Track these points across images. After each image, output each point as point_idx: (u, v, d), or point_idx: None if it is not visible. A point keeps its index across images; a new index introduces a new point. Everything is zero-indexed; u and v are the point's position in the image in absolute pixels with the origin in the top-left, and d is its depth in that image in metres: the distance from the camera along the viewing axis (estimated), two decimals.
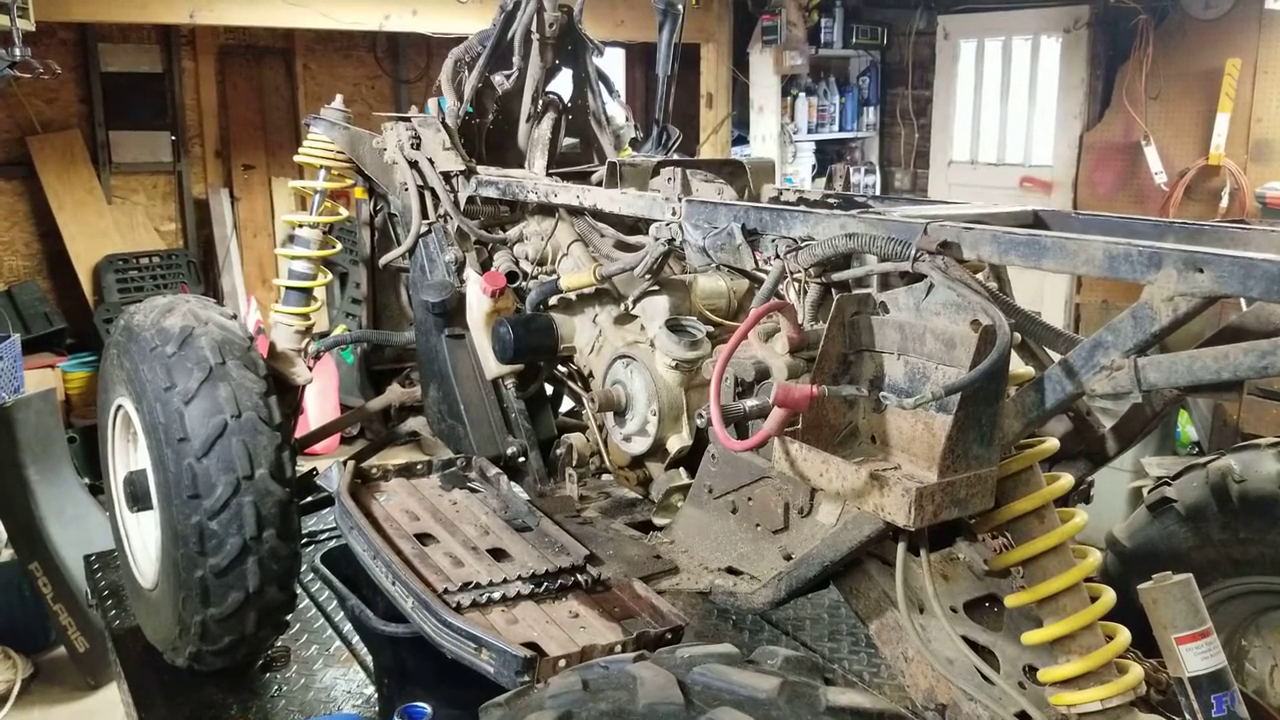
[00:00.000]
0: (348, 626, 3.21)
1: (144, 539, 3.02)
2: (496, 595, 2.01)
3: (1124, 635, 1.75)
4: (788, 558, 2.02)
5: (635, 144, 3.19)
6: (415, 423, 3.35)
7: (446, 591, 1.99)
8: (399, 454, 5.03)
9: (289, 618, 2.85)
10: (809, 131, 7.91)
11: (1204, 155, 6.83)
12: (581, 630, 1.95)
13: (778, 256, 1.92)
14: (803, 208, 1.97)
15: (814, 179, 8.11)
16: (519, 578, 2.07)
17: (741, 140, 7.99)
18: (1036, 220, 1.98)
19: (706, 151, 7.48)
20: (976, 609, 2.08)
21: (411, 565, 2.09)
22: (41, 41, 4.88)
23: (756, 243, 1.97)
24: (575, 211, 2.61)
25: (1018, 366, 1.83)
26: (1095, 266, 1.45)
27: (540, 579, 2.08)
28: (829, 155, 8.19)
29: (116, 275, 7.08)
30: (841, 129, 8.16)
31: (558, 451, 2.76)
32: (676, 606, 2.04)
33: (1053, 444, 1.81)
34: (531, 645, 1.86)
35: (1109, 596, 1.77)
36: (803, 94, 7.83)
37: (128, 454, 3.06)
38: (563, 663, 1.81)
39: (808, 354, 1.82)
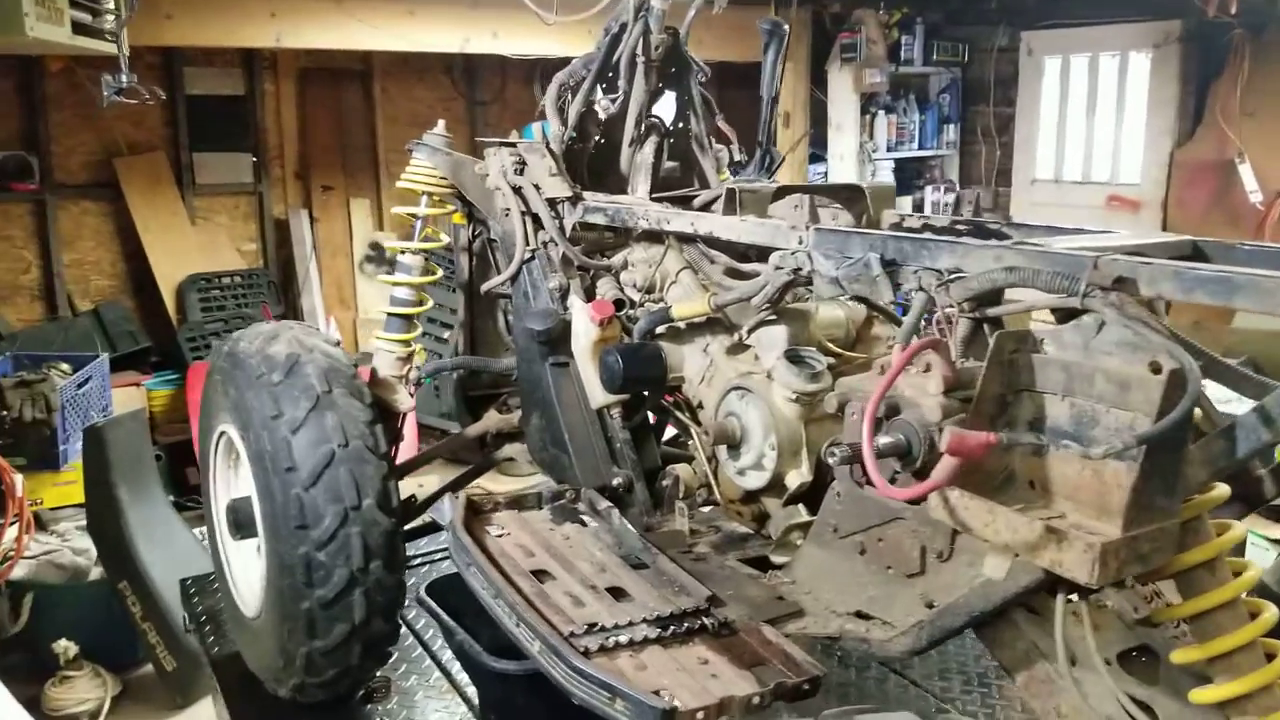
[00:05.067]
0: (446, 656, 3.17)
1: (245, 567, 3.01)
2: (623, 639, 1.93)
3: None
4: (929, 605, 1.92)
5: (737, 167, 3.12)
6: (512, 449, 3.31)
7: (573, 635, 1.92)
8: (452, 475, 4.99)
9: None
10: (888, 150, 7.79)
11: None
12: (713, 679, 1.87)
13: (921, 289, 1.83)
14: (949, 238, 1.88)
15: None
16: (644, 620, 2.00)
17: (817, 158, 7.89)
18: (1195, 251, 1.87)
19: (783, 171, 7.39)
20: (1126, 660, 1.97)
21: (533, 605, 2.03)
22: (131, 67, 4.97)
23: (895, 274, 1.89)
24: (686, 239, 2.55)
25: None
26: None
27: (666, 622, 2.00)
28: (908, 173, 8.06)
29: (199, 294, 7.19)
30: (921, 147, 8.03)
31: (663, 483, 2.68)
32: (811, 654, 1.96)
33: (1224, 490, 1.69)
34: (662, 693, 1.79)
35: None
36: (882, 112, 7.72)
37: (229, 481, 3.04)
38: (700, 715, 1.74)
39: (961, 394, 1.72)
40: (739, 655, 1.95)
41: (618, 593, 2.15)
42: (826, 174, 7.61)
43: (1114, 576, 1.42)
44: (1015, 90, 7.93)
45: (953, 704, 3.02)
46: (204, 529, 4.89)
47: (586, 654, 1.88)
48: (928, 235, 2.04)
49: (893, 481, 2.12)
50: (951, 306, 1.71)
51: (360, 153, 7.97)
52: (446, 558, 3.90)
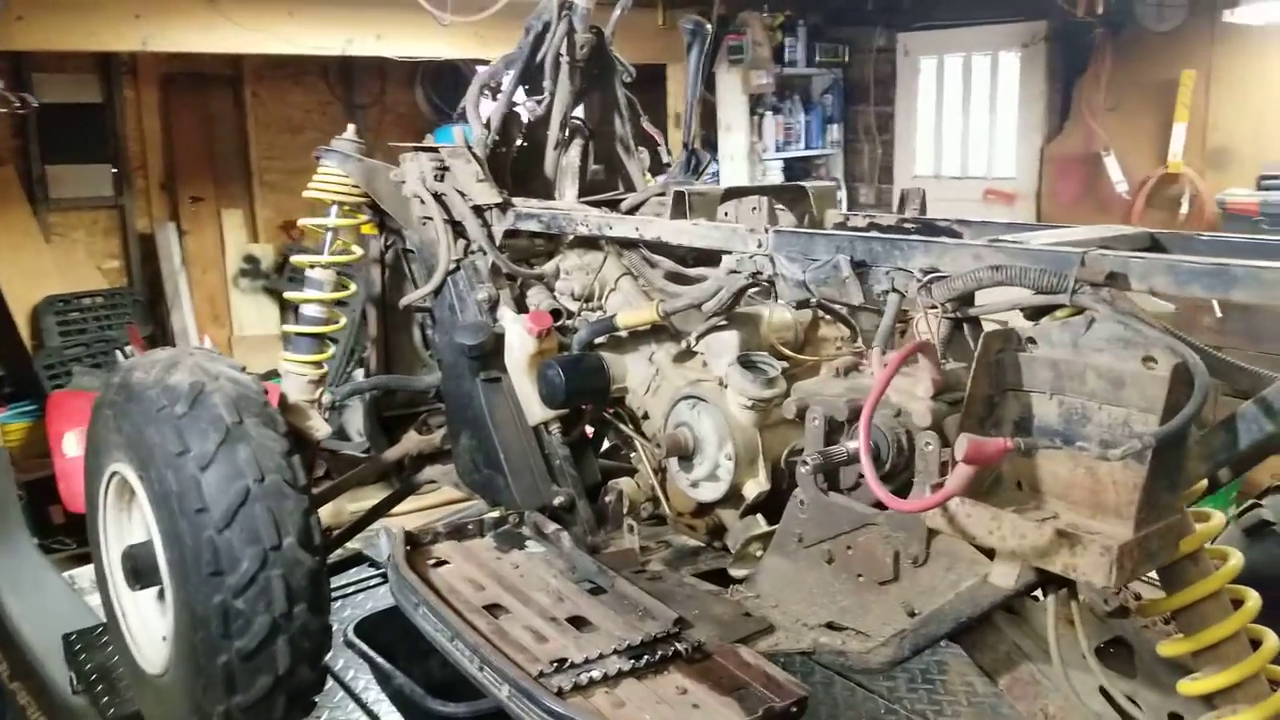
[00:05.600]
0: (371, 696, 2.99)
1: (144, 619, 2.76)
2: (596, 674, 1.81)
3: None
4: (911, 613, 1.87)
5: (663, 168, 3.03)
6: (432, 471, 3.15)
7: (542, 675, 1.79)
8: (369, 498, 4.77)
9: None
10: (776, 150, 7.85)
11: (1163, 164, 6.91)
12: (696, 710, 1.77)
13: (895, 290, 1.78)
14: (923, 238, 1.83)
15: None
16: (615, 651, 1.88)
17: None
18: (1154, 243, 1.87)
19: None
20: (1101, 655, 1.96)
21: (494, 645, 1.89)
22: None
23: (865, 276, 1.83)
24: (629, 244, 2.44)
25: None
26: None
27: (637, 651, 1.89)
28: (796, 173, 8.14)
29: (57, 317, 6.70)
30: (807, 146, 8.13)
31: (606, 499, 2.57)
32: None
33: (1204, 482, 1.69)
34: None
35: (1273, 640, 1.66)
36: (769, 112, 7.78)
37: (121, 525, 2.78)
38: None
39: (948, 397, 1.67)
40: (717, 680, 1.85)
41: (579, 622, 2.03)
42: (718, 175, 7.61)
43: (1130, 578, 1.39)
44: (894, 90, 8.11)
45: (900, 703, 3.01)
46: (74, 573, 4.54)
47: (560, 694, 1.76)
48: (899, 235, 1.98)
49: (855, 489, 2.07)
50: (935, 307, 1.65)
51: (231, 161, 7.58)
52: (359, 592, 3.71)
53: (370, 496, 4.40)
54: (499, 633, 1.95)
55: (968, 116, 7.85)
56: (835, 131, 8.26)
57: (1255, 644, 1.68)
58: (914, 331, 1.72)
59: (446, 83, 8.01)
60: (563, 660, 1.84)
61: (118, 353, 6.43)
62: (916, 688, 3.06)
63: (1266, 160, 6.23)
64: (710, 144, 7.72)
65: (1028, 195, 7.64)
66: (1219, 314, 5.59)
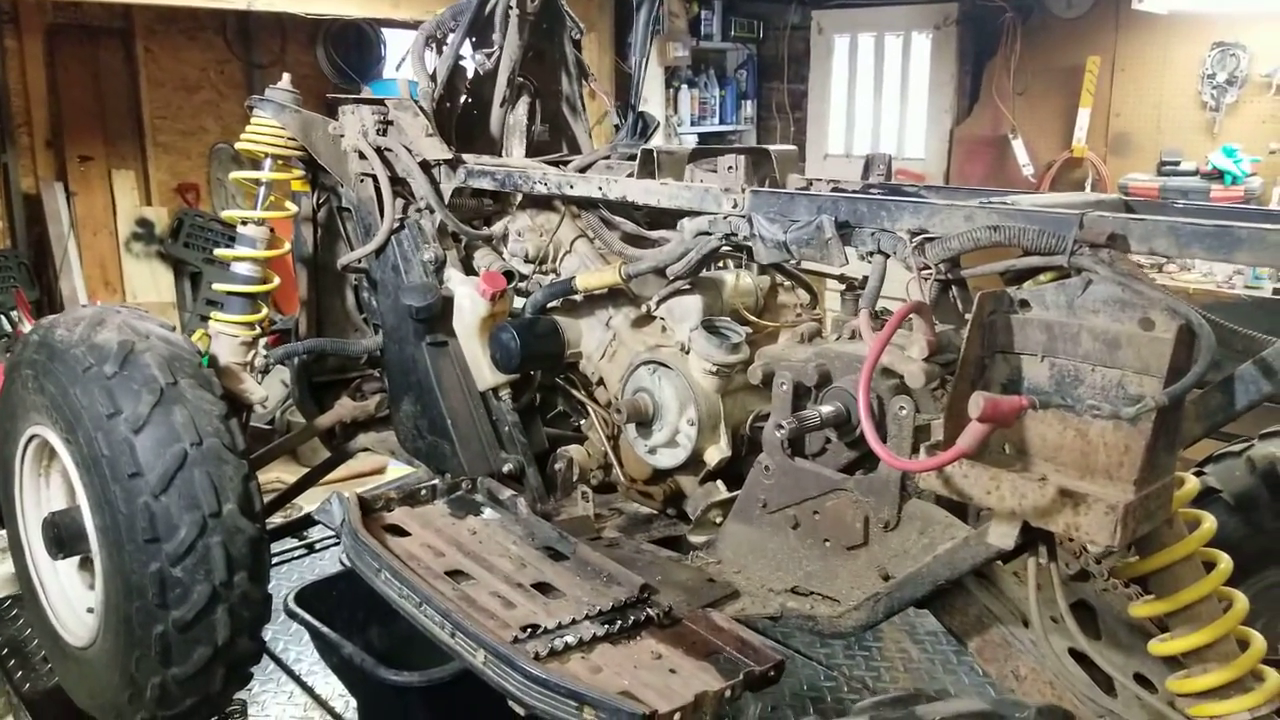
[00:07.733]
0: (303, 667, 2.89)
1: (65, 590, 2.60)
2: (570, 639, 1.77)
3: (1260, 641, 1.68)
4: (886, 577, 1.87)
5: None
6: (366, 439, 3.04)
7: (516, 640, 1.74)
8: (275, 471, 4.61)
9: None
10: (691, 124, 7.82)
11: (1068, 148, 7.13)
12: (673, 674, 1.74)
13: (880, 252, 1.76)
14: (912, 198, 1.81)
15: None
16: (586, 617, 1.84)
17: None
18: (1128, 209, 1.90)
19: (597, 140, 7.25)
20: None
21: (464, 610, 1.82)
22: None
23: (849, 237, 1.81)
24: (588, 205, 2.37)
25: None
26: None
27: (610, 617, 1.85)
28: None
29: None
30: (722, 122, 8.11)
31: (556, 466, 2.52)
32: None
33: None
34: (628, 696, 1.65)
35: (1243, 602, 1.70)
36: (685, 86, 7.73)
37: (39, 491, 2.61)
38: (678, 716, 1.60)
39: (940, 359, 1.67)
40: (692, 645, 1.83)
41: (545, 588, 1.98)
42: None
43: (1131, 538, 1.40)
44: (807, 67, 8.15)
45: (839, 669, 3.04)
46: None
47: (537, 659, 1.70)
48: (885, 196, 1.97)
49: (821, 454, 2.06)
50: (928, 268, 1.64)
51: (122, 120, 7.15)
52: (283, 564, 3.59)
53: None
54: (465, 599, 1.88)
55: (879, 96, 7.95)
56: (749, 107, 8.27)
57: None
58: (906, 293, 1.70)
59: (350, 44, 7.73)
60: (535, 626, 1.79)
61: (2, 318, 6.05)
62: (854, 655, 3.10)
63: (1166, 146, 6.48)
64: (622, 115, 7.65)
65: (936, 176, 7.78)
66: None
